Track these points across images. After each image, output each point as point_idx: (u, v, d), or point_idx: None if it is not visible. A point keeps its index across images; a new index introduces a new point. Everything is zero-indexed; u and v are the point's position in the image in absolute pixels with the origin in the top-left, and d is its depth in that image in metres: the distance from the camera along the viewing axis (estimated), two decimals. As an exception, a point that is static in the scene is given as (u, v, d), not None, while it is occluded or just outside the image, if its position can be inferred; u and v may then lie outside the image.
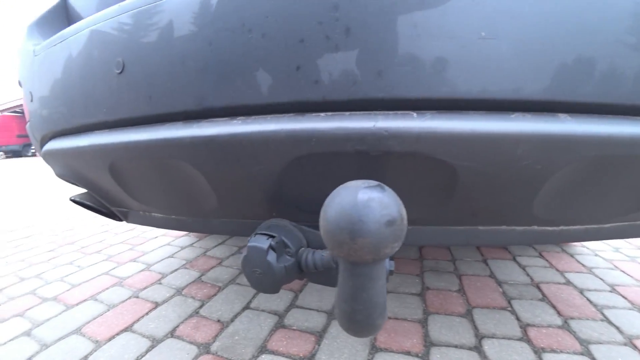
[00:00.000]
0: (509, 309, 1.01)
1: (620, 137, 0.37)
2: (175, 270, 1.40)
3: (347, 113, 0.39)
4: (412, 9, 0.35)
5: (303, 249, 0.48)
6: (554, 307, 1.02)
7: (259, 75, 0.40)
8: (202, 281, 1.28)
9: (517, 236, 0.51)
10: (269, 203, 0.50)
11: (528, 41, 0.35)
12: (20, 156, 22.82)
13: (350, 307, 0.38)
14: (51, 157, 0.74)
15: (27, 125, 0.87)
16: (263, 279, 0.46)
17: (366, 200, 0.33)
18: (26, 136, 22.76)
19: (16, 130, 22.73)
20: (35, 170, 8.56)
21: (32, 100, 0.73)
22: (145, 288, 1.24)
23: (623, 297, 1.07)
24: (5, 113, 23.44)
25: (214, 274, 1.34)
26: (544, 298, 1.07)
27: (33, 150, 22.37)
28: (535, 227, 0.50)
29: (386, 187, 0.35)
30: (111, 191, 0.69)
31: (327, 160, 0.42)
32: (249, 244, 0.47)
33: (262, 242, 0.46)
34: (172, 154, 0.48)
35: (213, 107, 0.44)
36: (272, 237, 0.46)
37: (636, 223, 0.52)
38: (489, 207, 0.46)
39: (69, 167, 0.72)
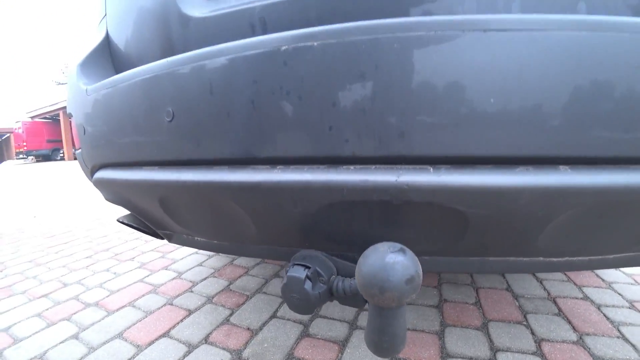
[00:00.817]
0: (525, 323, 1.05)
1: (615, 186, 0.42)
2: (205, 278, 1.49)
3: (373, 167, 0.46)
4: (429, 84, 0.42)
5: (334, 276, 0.55)
6: (569, 322, 1.04)
7: (297, 133, 0.47)
8: (231, 290, 1.36)
9: (524, 266, 0.56)
10: (303, 236, 0.57)
11: (529, 106, 0.41)
12: (50, 160, 23.88)
13: (378, 337, 0.49)
14: (101, 185, 0.84)
15: (77, 152, 0.96)
16: (300, 303, 0.54)
17: (392, 264, 0.43)
18: (55, 141, 23.79)
19: (46, 135, 23.81)
20: (65, 174, 8.97)
21: (84, 134, 0.83)
22: (178, 296, 1.34)
23: (641, 313, 1.09)
24: (36, 119, 24.55)
25: (241, 282, 1.43)
26: (560, 313, 1.10)
27: (62, 155, 23.34)
28: (541, 258, 0.55)
29: (407, 251, 0.44)
30: (158, 218, 0.77)
31: (356, 205, 0.49)
32: (288, 274, 0.55)
33: (300, 273, 0.54)
34: (220, 195, 0.56)
35: (257, 157, 0.51)
36: (308, 267, 0.54)
37: (638, 254, 0.56)
38: (497, 243, 0.51)
39: (118, 195, 0.81)
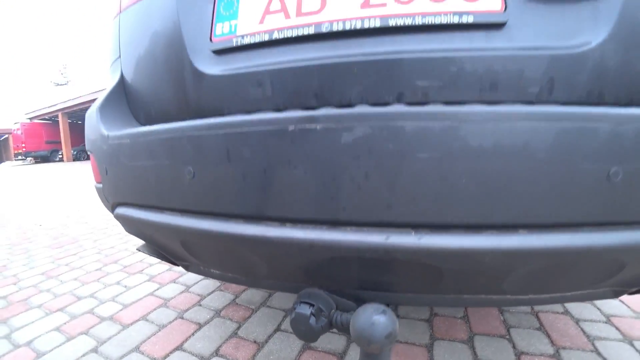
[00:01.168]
0: (507, 336, 1.15)
1: (564, 247, 0.51)
2: (212, 292, 1.58)
3: (366, 229, 0.56)
4: (411, 167, 0.52)
5: (333, 311, 0.66)
6: (548, 336, 1.14)
7: (304, 199, 0.57)
8: (237, 303, 1.46)
9: (494, 301, 0.67)
10: (307, 277, 0.67)
11: (492, 188, 0.51)
12: (49, 161, 23.89)
13: None
14: (123, 220, 0.92)
15: (98, 186, 1.03)
16: (306, 334, 0.64)
17: (376, 324, 0.57)
18: (54, 142, 23.80)
19: (45, 137, 23.83)
20: (64, 176, 9.00)
21: (106, 174, 0.91)
22: (188, 309, 1.43)
23: (616, 328, 1.19)
24: (35, 120, 24.55)
25: (246, 296, 1.52)
26: (541, 327, 1.20)
27: (61, 156, 23.35)
28: (509, 296, 0.65)
29: (388, 311, 0.59)
30: (178, 253, 0.87)
31: (352, 259, 0.59)
32: (296, 310, 0.65)
33: (305, 310, 0.64)
34: (236, 243, 0.66)
35: (269, 215, 0.61)
36: (312, 305, 0.64)
37: (594, 291, 0.66)
38: (469, 287, 0.61)
39: (139, 231, 0.90)
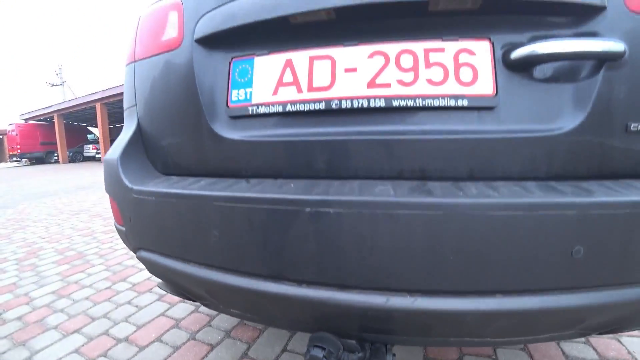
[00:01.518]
0: (494, 357, 1.25)
1: (533, 308, 0.62)
2: (220, 312, 1.68)
3: (370, 292, 0.66)
4: (407, 247, 0.64)
5: (341, 351, 0.76)
6: (531, 356, 1.25)
7: (319, 266, 0.67)
8: (245, 324, 1.56)
9: (477, 343, 0.79)
10: (319, 324, 0.78)
11: (475, 262, 0.62)
12: (44, 163, 23.77)
13: None
14: (146, 263, 1.00)
15: (121, 228, 1.07)
16: None
17: None
18: (49, 143, 23.70)
19: (40, 138, 23.74)
20: (61, 178, 8.94)
21: (130, 221, 0.99)
22: (199, 330, 1.52)
23: (594, 349, 1.30)
24: (30, 122, 24.39)
25: (252, 316, 1.62)
26: (525, 348, 1.30)
27: (56, 157, 23.25)
28: (489, 339, 0.76)
29: None
30: (201, 296, 0.96)
31: (359, 315, 0.70)
32: (310, 353, 0.75)
33: (318, 353, 0.75)
34: (257, 297, 0.75)
35: (289, 277, 0.71)
36: (324, 348, 0.75)
37: (562, 333, 0.76)
38: (454, 334, 0.73)
39: (164, 275, 0.99)
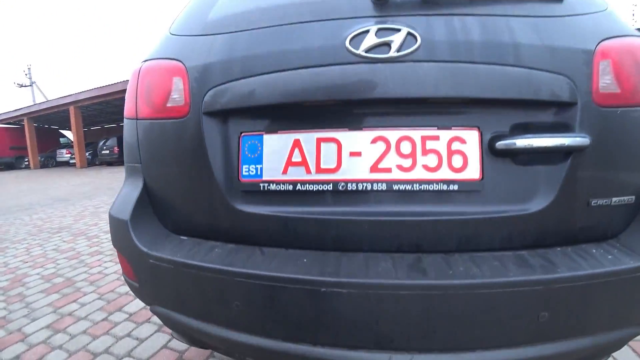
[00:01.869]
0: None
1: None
2: (221, 345, 1.74)
3: (376, 351, 0.77)
4: (406, 319, 0.74)
5: None
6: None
7: (331, 332, 0.77)
8: (246, 358, 1.62)
9: None
10: None
11: (461, 327, 0.74)
12: (14, 168, 22.76)
13: None
14: (162, 318, 1.04)
15: (134, 284, 1.08)
16: None
17: None
18: (20, 148, 22.72)
19: (9, 142, 22.72)
20: (35, 189, 8.54)
21: (145, 282, 1.00)
22: (202, 366, 1.58)
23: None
24: (-3, 125, 23.29)
25: (253, 349, 1.69)
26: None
27: (27, 162, 22.32)
28: None
29: None
30: (219, 348, 1.02)
31: None
32: None
33: None
34: (277, 356, 0.84)
35: (307, 340, 0.79)
36: None
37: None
38: None
39: (179, 329, 1.04)
